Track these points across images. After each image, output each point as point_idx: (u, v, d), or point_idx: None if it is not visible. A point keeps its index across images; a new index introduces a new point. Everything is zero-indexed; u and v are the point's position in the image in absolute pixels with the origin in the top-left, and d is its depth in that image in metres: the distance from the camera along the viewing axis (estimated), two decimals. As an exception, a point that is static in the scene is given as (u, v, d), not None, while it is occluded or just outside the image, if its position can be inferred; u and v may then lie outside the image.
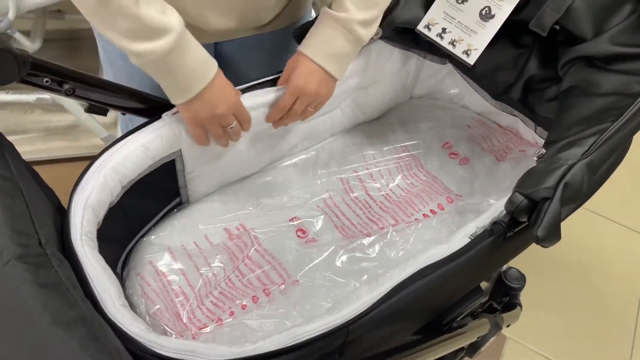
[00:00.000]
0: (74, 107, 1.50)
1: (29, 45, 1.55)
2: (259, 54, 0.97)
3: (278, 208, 0.93)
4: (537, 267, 1.55)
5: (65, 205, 0.69)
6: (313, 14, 1.16)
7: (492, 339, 0.95)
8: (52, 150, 1.65)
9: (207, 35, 0.84)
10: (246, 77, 0.87)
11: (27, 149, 1.63)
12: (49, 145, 1.67)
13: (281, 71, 0.86)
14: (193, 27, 0.77)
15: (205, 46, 0.72)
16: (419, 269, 0.67)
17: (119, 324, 0.56)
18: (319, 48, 0.81)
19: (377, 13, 0.81)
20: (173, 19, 0.67)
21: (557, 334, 1.50)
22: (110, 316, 0.57)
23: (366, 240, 0.90)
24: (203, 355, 0.57)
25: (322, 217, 0.93)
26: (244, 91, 0.84)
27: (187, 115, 0.76)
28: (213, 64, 0.74)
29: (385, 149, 1.06)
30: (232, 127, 0.79)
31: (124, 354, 0.51)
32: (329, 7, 0.81)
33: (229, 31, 0.88)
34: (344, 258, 0.88)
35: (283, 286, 0.82)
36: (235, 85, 0.80)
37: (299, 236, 0.90)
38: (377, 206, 0.97)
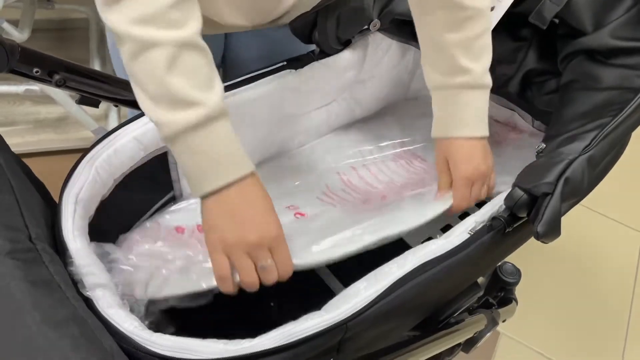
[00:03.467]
0: (64, 99, 1.48)
1: (17, 35, 1.52)
2: (263, 46, 0.94)
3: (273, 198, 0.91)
4: (531, 262, 1.55)
5: (56, 199, 0.67)
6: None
7: (488, 334, 0.95)
8: (42, 142, 1.63)
9: (221, 27, 0.82)
10: (247, 68, 0.84)
11: (16, 141, 1.61)
12: (38, 138, 1.65)
13: (282, 62, 0.84)
14: (208, 19, 0.73)
15: (217, 36, 0.69)
16: (418, 264, 0.66)
17: (112, 321, 0.55)
18: (466, 121, 0.76)
19: (490, 56, 0.77)
20: (209, 97, 0.57)
21: (550, 329, 1.50)
22: (103, 313, 0.55)
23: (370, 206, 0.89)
24: (198, 353, 0.55)
25: (321, 204, 0.92)
26: (245, 82, 0.81)
27: (207, 231, 0.62)
28: (248, 163, 0.61)
29: (382, 144, 1.05)
30: (264, 266, 0.62)
31: (117, 354, 0.49)
32: (438, 76, 0.78)
33: (242, 26, 0.85)
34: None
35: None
36: (239, 74, 0.74)
37: (297, 217, 0.87)
38: (378, 191, 0.96)
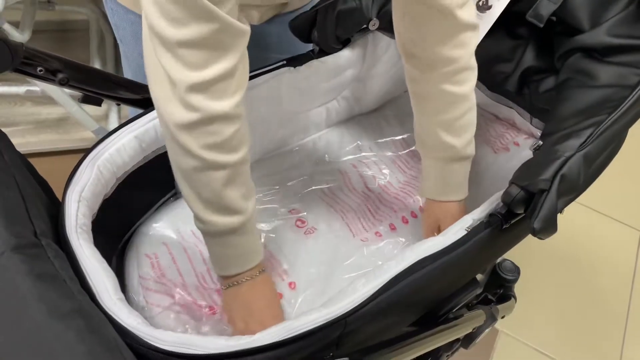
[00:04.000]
0: (64, 100, 1.48)
1: (18, 37, 1.53)
2: (269, 39, 0.95)
3: (276, 199, 0.93)
4: (530, 260, 1.56)
5: (58, 198, 0.68)
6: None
7: (487, 330, 0.95)
8: (43, 143, 1.63)
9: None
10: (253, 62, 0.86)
11: (17, 141, 1.59)
12: (39, 138, 1.65)
13: (282, 60, 0.85)
14: None
15: None
16: (415, 261, 0.67)
17: (115, 317, 0.56)
18: (450, 188, 0.85)
19: (473, 129, 0.82)
20: (249, 205, 0.69)
21: (549, 327, 1.51)
22: (106, 309, 0.56)
23: (365, 232, 0.90)
24: (200, 348, 0.56)
25: (321, 208, 0.93)
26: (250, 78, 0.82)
27: (225, 304, 0.75)
28: (258, 256, 0.74)
29: (380, 141, 1.06)
30: None
31: (122, 347, 0.50)
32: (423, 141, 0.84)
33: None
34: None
35: (281, 279, 0.82)
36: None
37: (298, 226, 0.89)
38: (375, 197, 0.97)
